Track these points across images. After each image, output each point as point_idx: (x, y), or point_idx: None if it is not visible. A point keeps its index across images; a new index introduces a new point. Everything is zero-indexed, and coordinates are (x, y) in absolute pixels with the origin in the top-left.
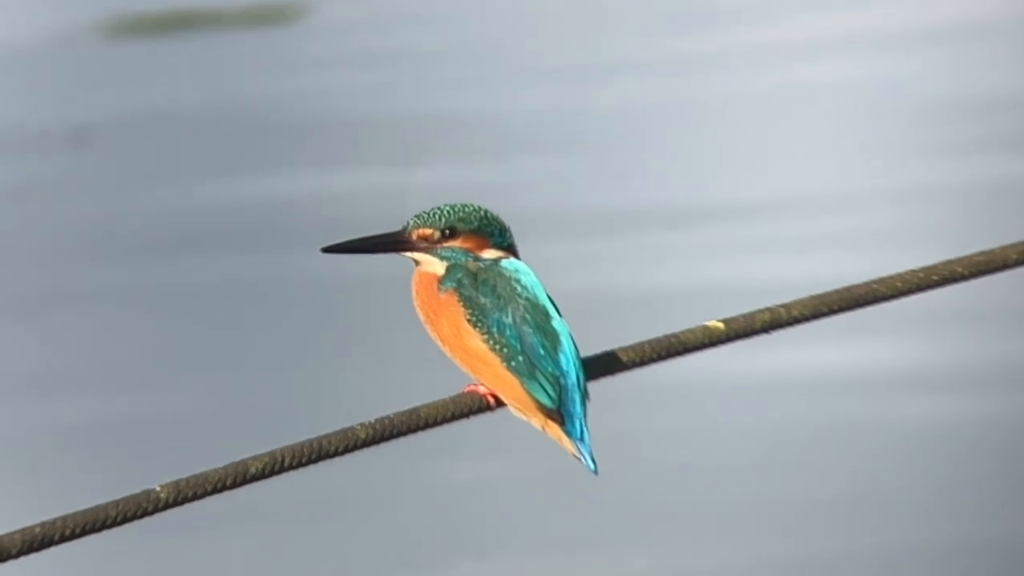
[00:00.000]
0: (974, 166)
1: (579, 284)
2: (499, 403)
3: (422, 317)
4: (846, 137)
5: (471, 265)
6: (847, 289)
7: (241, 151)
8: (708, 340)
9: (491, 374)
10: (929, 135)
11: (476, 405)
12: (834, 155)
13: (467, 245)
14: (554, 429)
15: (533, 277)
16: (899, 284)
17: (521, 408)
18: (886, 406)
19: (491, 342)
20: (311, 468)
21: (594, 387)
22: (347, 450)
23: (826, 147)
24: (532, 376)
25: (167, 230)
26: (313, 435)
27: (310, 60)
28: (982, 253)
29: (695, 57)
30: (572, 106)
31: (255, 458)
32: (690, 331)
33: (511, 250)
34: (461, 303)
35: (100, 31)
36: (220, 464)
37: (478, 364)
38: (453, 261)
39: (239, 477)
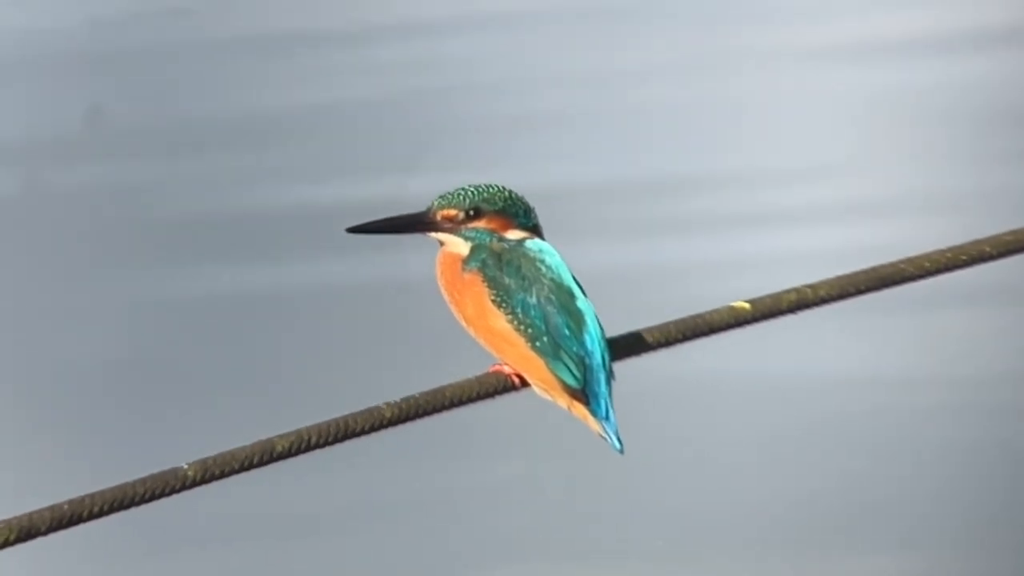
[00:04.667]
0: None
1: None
2: (524, 383)
3: (446, 297)
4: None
5: (495, 246)
6: (874, 269)
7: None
8: (734, 320)
9: (516, 354)
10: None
11: (501, 385)
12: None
13: (492, 226)
14: (579, 409)
15: (558, 257)
16: (927, 264)
17: (546, 388)
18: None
19: (516, 322)
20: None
21: (619, 367)
22: (372, 429)
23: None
24: (557, 356)
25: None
26: (339, 415)
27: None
28: (1010, 232)
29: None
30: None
31: (281, 437)
32: (716, 311)
33: (536, 231)
34: (485, 283)
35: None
36: (247, 442)
37: (503, 344)
38: (477, 241)
39: (265, 455)
